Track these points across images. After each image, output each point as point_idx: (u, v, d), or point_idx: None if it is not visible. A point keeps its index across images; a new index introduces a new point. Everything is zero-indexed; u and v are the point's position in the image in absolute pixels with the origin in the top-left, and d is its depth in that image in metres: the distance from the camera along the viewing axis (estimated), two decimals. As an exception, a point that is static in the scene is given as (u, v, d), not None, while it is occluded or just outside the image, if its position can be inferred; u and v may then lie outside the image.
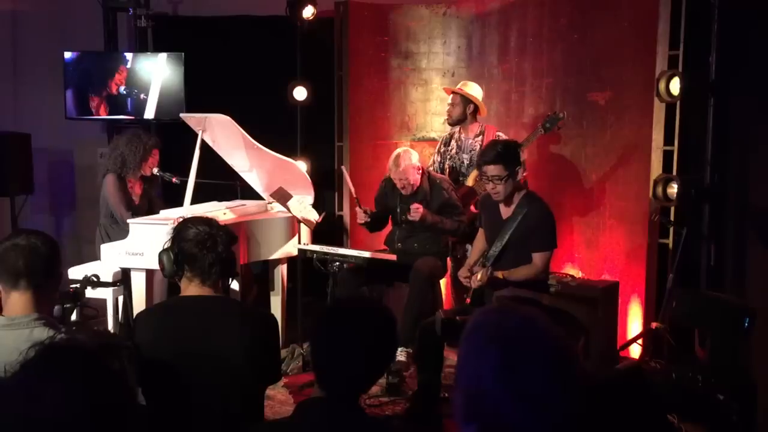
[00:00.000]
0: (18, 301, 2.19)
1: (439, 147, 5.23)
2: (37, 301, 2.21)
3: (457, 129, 5.10)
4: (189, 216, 2.81)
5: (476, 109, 5.02)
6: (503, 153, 3.66)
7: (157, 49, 6.04)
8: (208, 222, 2.48)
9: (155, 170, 4.95)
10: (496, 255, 3.79)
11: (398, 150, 4.67)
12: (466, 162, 5.00)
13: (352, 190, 4.89)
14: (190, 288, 2.43)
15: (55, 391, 1.18)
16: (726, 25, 4.19)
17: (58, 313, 2.54)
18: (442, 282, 4.97)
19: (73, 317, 3.10)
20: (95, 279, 3.09)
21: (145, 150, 4.87)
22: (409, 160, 4.55)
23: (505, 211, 3.80)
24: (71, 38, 6.09)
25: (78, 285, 2.93)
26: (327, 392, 1.83)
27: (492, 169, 3.66)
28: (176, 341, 2.32)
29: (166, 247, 2.47)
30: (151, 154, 4.91)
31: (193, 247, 2.39)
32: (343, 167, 5.21)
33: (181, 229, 2.45)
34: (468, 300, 3.89)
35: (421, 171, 4.61)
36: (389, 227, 4.90)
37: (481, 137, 4.96)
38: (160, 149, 4.99)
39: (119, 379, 1.25)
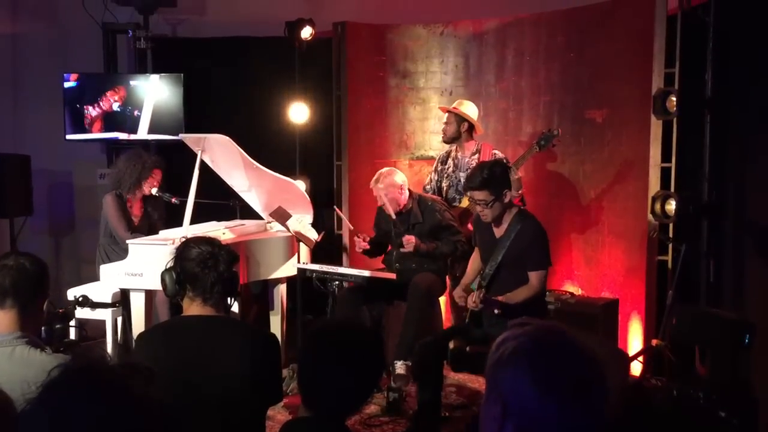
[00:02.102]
0: (2, 319, 2.22)
1: (436, 165, 5.26)
2: (22, 320, 2.23)
3: (453, 147, 5.14)
4: (191, 236, 2.82)
5: (471, 128, 5.05)
6: (488, 179, 3.66)
7: (157, 70, 6.07)
8: (210, 242, 2.49)
9: (154, 190, 4.95)
10: (491, 275, 3.79)
11: (383, 169, 4.72)
12: (462, 180, 5.02)
13: (349, 224, 5.17)
14: (192, 308, 2.44)
15: (79, 411, 1.18)
16: (721, 42, 4.22)
17: (45, 334, 2.55)
18: (442, 300, 4.96)
19: (72, 338, 3.10)
20: (83, 299, 3.10)
21: (144, 169, 4.88)
22: (390, 179, 4.60)
23: (498, 231, 3.81)
24: (71, 60, 6.13)
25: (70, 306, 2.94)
26: (313, 413, 1.83)
27: (478, 194, 3.69)
28: (178, 361, 2.31)
29: (168, 266, 2.48)
30: (150, 174, 4.92)
31: (195, 267, 2.40)
32: (335, 207, 5.31)
33: (184, 248, 2.47)
34: (466, 320, 3.89)
35: (405, 192, 4.64)
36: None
37: (477, 155, 4.99)
38: (162, 169, 5.00)
39: (142, 401, 1.24)
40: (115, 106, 5.91)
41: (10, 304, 2.21)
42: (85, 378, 1.23)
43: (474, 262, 4.10)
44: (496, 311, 3.62)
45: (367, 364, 1.89)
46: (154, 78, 5.93)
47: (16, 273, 2.22)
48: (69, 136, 5.89)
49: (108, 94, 5.90)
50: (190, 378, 2.26)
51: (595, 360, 1.29)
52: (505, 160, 4.89)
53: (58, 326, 2.71)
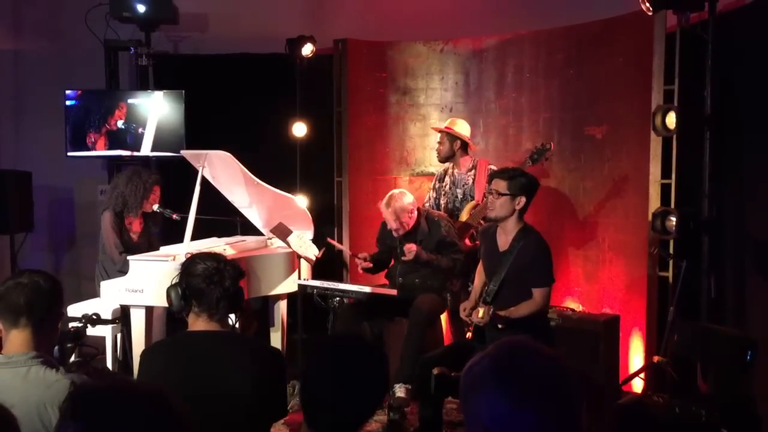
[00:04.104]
0: (16, 338, 2.18)
1: (434, 183, 5.28)
2: (36, 338, 2.19)
3: (450, 165, 5.16)
4: (197, 252, 2.82)
5: (465, 145, 5.07)
6: (516, 177, 3.70)
7: (159, 87, 6.09)
8: (216, 257, 2.50)
9: (155, 207, 4.96)
10: (495, 291, 3.78)
11: (394, 191, 4.71)
12: (459, 196, 5.05)
13: (345, 250, 5.35)
14: (198, 323, 2.44)
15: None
16: (720, 59, 4.24)
17: (57, 353, 2.53)
18: (442, 316, 4.95)
19: (73, 356, 3.09)
20: (95, 317, 3.08)
21: (146, 188, 4.88)
22: (401, 202, 4.59)
23: (502, 244, 3.81)
24: (73, 77, 6.15)
25: (79, 324, 2.92)
26: (315, 430, 1.81)
27: (495, 183, 3.73)
28: (183, 376, 2.31)
29: (174, 282, 2.48)
30: (152, 192, 4.92)
31: (200, 282, 2.40)
32: (328, 238, 5.23)
33: (189, 264, 2.47)
34: (470, 335, 3.87)
35: (415, 213, 4.64)
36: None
37: (473, 171, 5.02)
38: (161, 185, 5.01)
39: (184, 422, 1.25)
40: (119, 123, 5.93)
41: (25, 323, 2.17)
42: (126, 397, 1.24)
43: (480, 274, 4.09)
44: (499, 326, 3.61)
45: (370, 381, 1.87)
46: (157, 95, 5.95)
47: (30, 291, 2.18)
48: (70, 154, 5.90)
49: (115, 113, 5.92)
50: (196, 393, 2.25)
51: (559, 360, 1.32)
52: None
53: (69, 345, 2.68)
